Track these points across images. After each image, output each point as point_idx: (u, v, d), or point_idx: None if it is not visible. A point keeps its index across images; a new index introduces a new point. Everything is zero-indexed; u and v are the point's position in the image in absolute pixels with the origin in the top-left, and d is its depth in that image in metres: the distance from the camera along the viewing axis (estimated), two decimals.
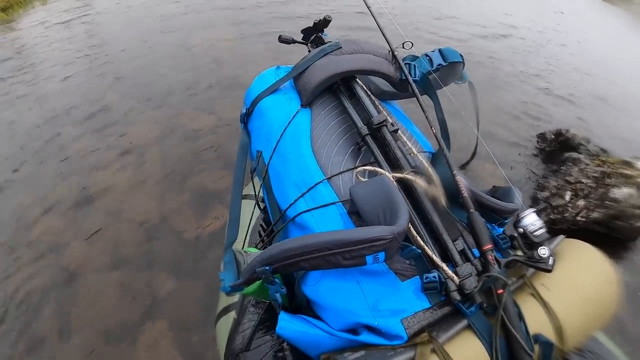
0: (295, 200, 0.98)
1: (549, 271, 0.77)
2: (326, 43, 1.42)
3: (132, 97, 3.63)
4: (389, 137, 1.03)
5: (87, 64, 4.31)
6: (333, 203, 0.92)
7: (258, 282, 0.81)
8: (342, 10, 5.27)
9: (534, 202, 2.52)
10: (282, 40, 1.61)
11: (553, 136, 3.10)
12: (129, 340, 1.87)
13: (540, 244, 0.78)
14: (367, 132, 1.06)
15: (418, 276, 0.80)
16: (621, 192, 2.33)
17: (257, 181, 1.28)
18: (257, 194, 1.37)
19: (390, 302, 0.76)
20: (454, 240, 0.84)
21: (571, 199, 2.39)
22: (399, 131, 1.07)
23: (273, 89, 1.30)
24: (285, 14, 5.29)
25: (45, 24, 5.54)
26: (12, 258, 2.26)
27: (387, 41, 1.28)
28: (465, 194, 0.86)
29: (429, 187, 0.90)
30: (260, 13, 5.32)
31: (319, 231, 0.89)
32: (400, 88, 1.29)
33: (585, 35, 6.27)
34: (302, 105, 1.20)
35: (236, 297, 1.29)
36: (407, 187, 0.93)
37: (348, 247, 0.69)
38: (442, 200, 0.88)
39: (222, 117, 3.24)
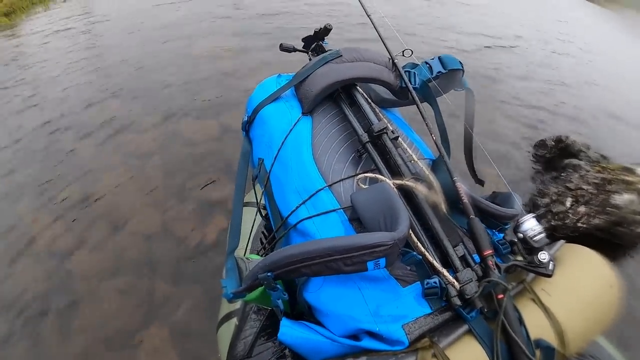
0: (297, 207, 0.98)
1: (549, 276, 0.77)
2: (327, 51, 1.43)
3: (134, 105, 3.65)
4: (389, 144, 1.03)
5: (88, 71, 4.34)
6: (334, 210, 0.93)
7: (260, 289, 0.81)
8: (343, 21, 5.31)
9: (534, 208, 2.53)
10: (283, 48, 1.62)
11: (553, 143, 3.12)
12: (130, 347, 1.87)
13: (540, 249, 0.78)
14: (368, 139, 1.07)
15: (419, 282, 0.81)
16: (622, 199, 2.33)
17: (259, 188, 1.29)
18: (258, 201, 1.38)
19: (391, 307, 0.76)
20: (454, 246, 0.84)
21: (572, 205, 2.39)
22: (400, 138, 1.08)
23: (274, 97, 1.31)
24: (286, 23, 5.34)
25: (47, 30, 5.59)
26: (13, 264, 2.27)
27: (387, 49, 1.29)
28: (466, 200, 0.86)
29: (430, 193, 0.90)
30: (260, 23, 5.37)
31: (320, 237, 0.89)
32: (401, 95, 1.30)
33: (584, 40, 6.31)
34: (303, 113, 1.21)
35: (238, 304, 1.30)
36: (407, 194, 0.94)
37: (349, 253, 0.69)
38: (443, 207, 0.89)
39: (223, 125, 3.26)
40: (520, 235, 0.81)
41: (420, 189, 0.91)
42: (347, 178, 1.01)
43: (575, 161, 2.77)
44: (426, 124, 1.08)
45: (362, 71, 1.22)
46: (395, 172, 1.01)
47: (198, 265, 2.20)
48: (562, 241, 0.92)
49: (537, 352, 0.72)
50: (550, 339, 0.74)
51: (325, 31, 1.56)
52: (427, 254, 0.81)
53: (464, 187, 0.89)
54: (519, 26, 6.40)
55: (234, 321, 1.25)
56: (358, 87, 1.28)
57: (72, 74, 4.29)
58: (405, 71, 1.26)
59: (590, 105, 4.27)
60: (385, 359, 0.70)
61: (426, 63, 1.29)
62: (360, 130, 1.11)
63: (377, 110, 1.22)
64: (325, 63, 1.25)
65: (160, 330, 1.92)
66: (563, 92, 4.45)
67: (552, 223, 2.38)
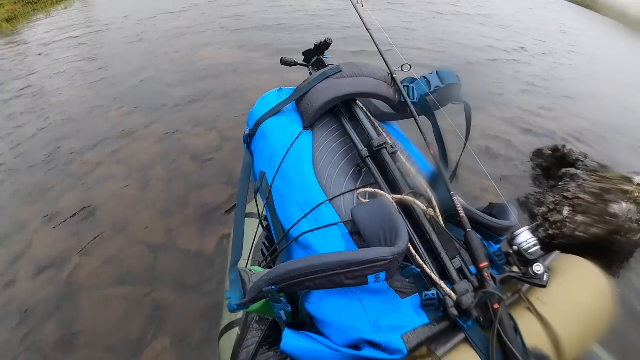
0: (299, 221, 1.00)
1: (544, 286, 0.79)
2: (327, 65, 1.46)
3: (136, 114, 3.69)
4: (388, 159, 1.06)
5: (90, 80, 4.38)
6: (335, 224, 0.95)
7: (263, 300, 0.84)
8: (347, 35, 5.35)
9: (531, 217, 2.55)
10: (284, 63, 1.64)
11: (550, 152, 3.14)
12: (132, 355, 1.88)
13: (535, 261, 0.80)
14: (368, 154, 1.09)
15: (417, 294, 0.83)
16: (620, 208, 2.35)
17: (260, 200, 1.31)
18: (260, 213, 1.40)
19: (391, 318, 0.78)
20: (451, 259, 0.86)
21: (569, 214, 2.41)
22: (398, 152, 1.11)
23: (276, 111, 1.33)
24: (286, 34, 5.39)
25: (48, 38, 5.63)
26: (15, 272, 2.28)
27: (386, 64, 1.32)
28: (463, 214, 0.89)
29: (428, 208, 0.93)
30: (261, 33, 5.42)
31: (322, 250, 0.91)
32: (400, 110, 1.32)
33: (585, 50, 6.36)
34: (304, 128, 1.23)
35: (240, 314, 1.31)
36: (406, 208, 0.96)
37: (351, 267, 0.72)
38: (440, 220, 0.92)
39: (224, 135, 3.29)
40: (515, 247, 0.83)
41: (418, 204, 0.93)
42: (347, 192, 1.04)
43: (572, 170, 2.79)
44: (424, 138, 1.11)
45: (362, 87, 1.25)
46: (394, 186, 1.03)
47: (199, 274, 2.22)
48: (557, 252, 0.94)
49: None
50: (546, 347, 0.76)
51: (325, 45, 1.58)
52: (425, 266, 0.83)
53: (461, 201, 0.92)
54: (519, 36, 6.46)
55: (236, 331, 1.27)
56: (358, 102, 1.31)
57: (75, 83, 4.33)
58: (404, 86, 1.29)
59: (591, 114, 4.31)
60: None
61: (424, 77, 1.32)
62: (360, 145, 1.13)
63: (377, 124, 1.24)
64: (326, 78, 1.27)
65: (162, 338, 1.94)
66: (562, 102, 4.49)
67: (550, 232, 2.40)
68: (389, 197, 0.94)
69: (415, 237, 0.91)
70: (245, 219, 1.24)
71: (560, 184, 2.69)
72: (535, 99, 4.45)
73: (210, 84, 4.15)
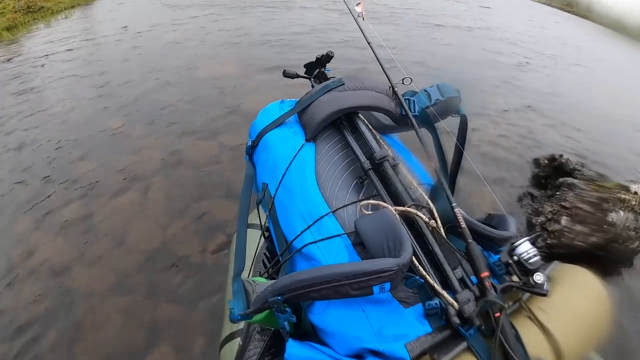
0: (302, 232, 1.02)
1: (545, 295, 0.81)
2: (329, 78, 1.48)
3: (137, 124, 3.72)
4: (390, 171, 1.08)
5: (89, 90, 4.41)
6: (339, 235, 0.96)
7: (267, 311, 0.85)
8: (350, 52, 5.40)
9: (529, 227, 2.56)
10: (286, 75, 1.66)
11: (547, 161, 3.16)
12: None
13: (535, 271, 0.82)
14: (370, 166, 1.11)
15: (420, 303, 0.85)
16: (618, 216, 2.37)
17: (262, 212, 1.32)
18: (262, 224, 1.41)
19: (394, 327, 0.79)
20: (453, 269, 0.88)
21: (568, 223, 2.43)
22: (400, 165, 1.12)
23: (278, 123, 1.34)
24: (288, 46, 5.43)
25: (48, 47, 5.68)
26: (13, 282, 2.28)
27: (388, 78, 1.34)
28: (464, 225, 0.91)
29: (429, 220, 0.95)
30: (261, 45, 5.47)
31: (326, 262, 0.93)
32: (401, 122, 1.34)
33: (585, 60, 6.42)
34: (306, 140, 1.25)
35: (241, 324, 1.31)
36: (409, 219, 0.98)
37: (357, 278, 0.74)
38: (442, 231, 0.93)
39: (224, 145, 3.30)
40: (516, 257, 0.85)
41: (420, 215, 0.95)
42: (350, 204, 1.05)
43: (570, 180, 2.80)
44: (425, 150, 1.13)
45: (364, 100, 1.26)
46: (396, 198, 1.05)
47: (199, 284, 2.22)
48: (556, 262, 0.95)
49: None
50: (547, 354, 0.77)
51: (327, 58, 1.61)
52: (428, 277, 0.85)
53: (462, 212, 0.94)
54: (518, 48, 6.53)
55: (238, 341, 1.27)
56: (360, 115, 1.33)
57: (74, 94, 4.37)
58: (405, 99, 1.31)
59: (588, 124, 4.35)
60: None
61: (425, 90, 1.34)
62: (362, 158, 1.15)
63: (378, 137, 1.26)
64: (329, 91, 1.29)
65: (162, 348, 1.94)
66: (560, 112, 4.53)
67: (548, 241, 2.41)
68: (391, 208, 0.95)
69: (418, 248, 0.92)
70: (247, 230, 1.25)
71: (557, 193, 2.71)
72: (533, 110, 4.49)
73: (210, 96, 4.19)
